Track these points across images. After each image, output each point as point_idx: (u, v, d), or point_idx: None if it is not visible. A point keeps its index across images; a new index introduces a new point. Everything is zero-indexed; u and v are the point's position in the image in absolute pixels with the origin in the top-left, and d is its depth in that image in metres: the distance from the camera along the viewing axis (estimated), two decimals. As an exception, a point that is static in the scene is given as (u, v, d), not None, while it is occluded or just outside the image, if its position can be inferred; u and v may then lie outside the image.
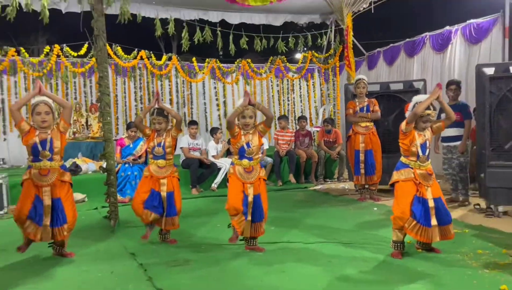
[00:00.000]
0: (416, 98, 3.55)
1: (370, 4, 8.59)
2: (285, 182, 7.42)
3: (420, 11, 14.42)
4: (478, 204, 5.08)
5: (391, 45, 8.93)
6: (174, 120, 4.16)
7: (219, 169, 7.01)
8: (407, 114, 3.51)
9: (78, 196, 6.22)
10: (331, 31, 10.04)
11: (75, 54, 8.67)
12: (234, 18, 9.01)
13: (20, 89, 8.43)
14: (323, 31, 9.99)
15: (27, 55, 8.53)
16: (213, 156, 7.18)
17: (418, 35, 8.13)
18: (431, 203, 3.37)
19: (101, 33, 4.81)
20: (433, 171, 3.49)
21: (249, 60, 10.24)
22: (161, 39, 16.81)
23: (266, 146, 7.45)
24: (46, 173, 3.47)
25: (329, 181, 7.64)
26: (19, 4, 6.01)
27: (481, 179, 4.84)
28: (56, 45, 8.59)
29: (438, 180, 3.65)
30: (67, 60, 8.68)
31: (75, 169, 6.77)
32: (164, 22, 8.06)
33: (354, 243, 3.89)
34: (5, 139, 8.17)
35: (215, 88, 9.98)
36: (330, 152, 7.52)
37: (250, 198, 3.62)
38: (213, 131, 7.55)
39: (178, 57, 9.69)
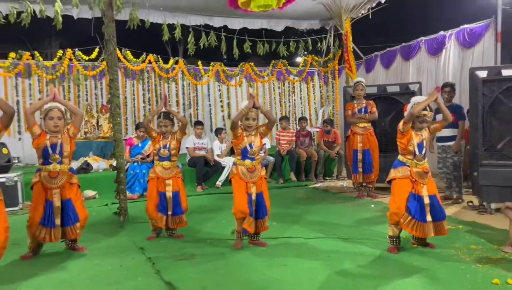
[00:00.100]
0: (414, 99, 3.54)
1: (368, 10, 8.56)
2: (286, 180, 7.41)
3: (416, 17, 14.38)
4: (471, 202, 5.07)
5: (388, 49, 8.92)
6: (180, 123, 4.16)
7: (223, 167, 7.02)
8: (406, 114, 3.51)
9: (89, 193, 6.25)
10: (330, 36, 10.03)
11: (87, 58, 8.70)
12: (237, 24, 9.01)
13: (34, 91, 8.47)
14: (322, 36, 9.97)
15: (41, 58, 8.56)
16: (217, 155, 7.19)
17: (413, 40, 8.10)
18: (426, 200, 3.37)
19: (111, 38, 4.82)
20: (429, 170, 3.49)
21: (252, 64, 10.23)
22: (168, 43, 16.82)
23: (268, 146, 7.45)
24: (56, 175, 3.48)
25: (328, 179, 7.63)
26: (34, 10, 6.03)
27: (474, 178, 4.83)
28: (69, 49, 8.63)
29: (433, 178, 3.64)
30: (79, 63, 8.73)
31: (86, 168, 6.80)
32: (171, 27, 8.07)
33: (352, 238, 3.88)
34: (20, 139, 8.20)
35: (219, 90, 9.98)
36: (329, 151, 7.51)
37: (254, 197, 3.61)
38: (218, 131, 7.56)
39: (185, 61, 9.70)
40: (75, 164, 6.87)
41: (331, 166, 7.82)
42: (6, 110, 2.85)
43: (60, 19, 5.73)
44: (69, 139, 3.55)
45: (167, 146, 4.01)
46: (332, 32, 9.95)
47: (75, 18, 7.64)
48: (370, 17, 8.73)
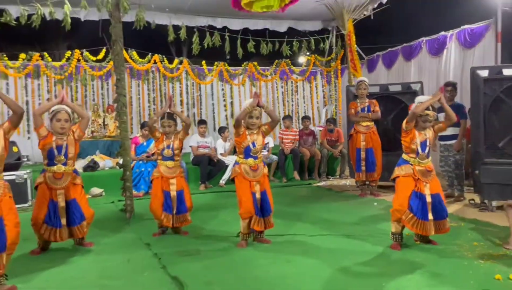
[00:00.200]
0: (419, 99, 3.53)
1: (370, 11, 8.53)
2: (289, 179, 7.40)
3: (417, 18, 14.30)
4: (473, 199, 5.05)
5: (390, 49, 8.89)
6: (184, 123, 4.16)
7: (227, 166, 7.01)
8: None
9: (96, 190, 6.26)
10: (332, 36, 10.00)
11: (94, 58, 8.73)
12: (241, 24, 8.99)
13: (43, 91, 8.51)
14: (325, 36, 9.94)
15: (50, 59, 8.60)
16: (221, 154, 7.18)
17: (415, 40, 8.08)
18: (428, 199, 3.36)
19: (118, 38, 4.83)
20: (432, 168, 3.46)
21: (256, 63, 10.22)
22: (172, 44, 16.81)
23: (271, 145, 7.44)
24: (60, 176, 3.49)
25: (332, 177, 7.61)
26: (43, 13, 6.07)
27: (476, 176, 4.80)
28: (77, 50, 8.66)
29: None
30: (86, 64, 8.76)
31: (93, 166, 6.82)
32: (176, 28, 8.08)
33: (355, 235, 3.87)
34: (29, 138, 8.23)
35: (222, 89, 9.98)
36: (332, 150, 7.49)
37: (258, 195, 3.60)
38: (221, 130, 7.55)
39: (189, 61, 9.71)
40: (82, 163, 6.90)
41: (334, 164, 7.80)
42: (16, 110, 2.86)
43: (69, 20, 5.76)
44: (74, 141, 3.56)
45: (171, 146, 4.00)
46: (334, 33, 9.93)
47: (82, 20, 7.66)
48: (372, 17, 8.70)
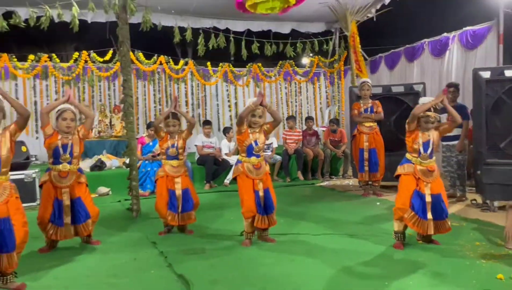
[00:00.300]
0: (422, 100, 3.52)
1: (373, 12, 8.50)
2: (293, 179, 7.39)
3: (419, 19, 14.25)
4: (475, 199, 5.02)
5: (392, 50, 8.86)
6: (189, 123, 4.16)
7: (231, 165, 7.01)
8: None
9: (103, 189, 6.29)
10: (335, 37, 9.98)
11: (101, 59, 8.76)
12: (245, 26, 9.00)
13: (51, 92, 8.56)
14: (328, 37, 9.92)
15: (58, 60, 8.65)
16: (225, 154, 7.19)
17: (417, 42, 8.04)
18: (428, 199, 3.36)
19: (125, 39, 4.85)
20: (435, 169, 3.44)
21: (260, 64, 10.22)
22: (178, 45, 16.83)
23: (275, 145, 7.44)
24: (65, 175, 3.50)
25: (335, 177, 7.60)
26: (52, 15, 6.10)
27: (478, 176, 4.78)
28: (84, 52, 8.70)
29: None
30: (93, 65, 8.79)
31: (100, 165, 6.85)
32: (182, 29, 8.10)
33: (358, 235, 3.87)
34: (37, 138, 8.26)
35: (227, 90, 9.99)
36: (336, 150, 7.48)
37: (261, 193, 3.60)
38: (226, 130, 7.56)
39: (194, 62, 9.73)
40: (89, 162, 6.94)
41: (337, 165, 7.78)
42: (22, 112, 2.86)
43: (77, 22, 5.79)
44: (79, 140, 3.57)
45: (175, 145, 4.01)
46: (338, 34, 9.91)
47: (89, 22, 7.70)
48: (375, 19, 8.67)
